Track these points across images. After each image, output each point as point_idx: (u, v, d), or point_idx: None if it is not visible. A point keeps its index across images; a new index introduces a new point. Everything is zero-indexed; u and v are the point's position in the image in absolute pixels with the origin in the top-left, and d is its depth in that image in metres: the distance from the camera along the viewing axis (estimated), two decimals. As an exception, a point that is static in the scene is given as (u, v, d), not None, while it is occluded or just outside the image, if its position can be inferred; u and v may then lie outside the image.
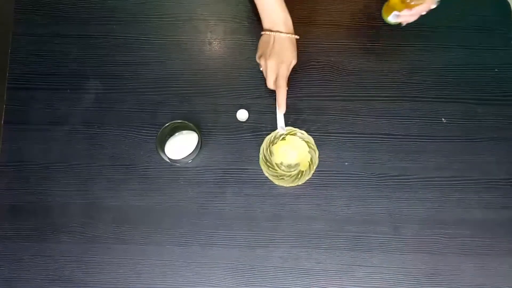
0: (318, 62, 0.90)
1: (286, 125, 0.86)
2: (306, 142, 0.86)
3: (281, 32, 0.81)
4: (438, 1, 0.78)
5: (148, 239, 0.84)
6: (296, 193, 0.86)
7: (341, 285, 0.84)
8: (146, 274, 0.84)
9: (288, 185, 0.83)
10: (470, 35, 0.92)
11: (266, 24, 0.82)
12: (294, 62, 0.83)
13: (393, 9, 0.85)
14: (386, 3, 0.89)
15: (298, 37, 0.83)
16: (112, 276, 0.84)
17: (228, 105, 0.88)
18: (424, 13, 0.80)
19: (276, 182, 0.83)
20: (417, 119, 0.89)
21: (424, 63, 0.91)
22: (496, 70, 0.91)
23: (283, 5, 0.81)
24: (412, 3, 0.79)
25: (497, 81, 0.90)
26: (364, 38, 0.91)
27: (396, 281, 0.84)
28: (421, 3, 0.78)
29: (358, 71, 0.90)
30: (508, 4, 0.93)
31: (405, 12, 0.81)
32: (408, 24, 0.84)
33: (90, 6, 0.92)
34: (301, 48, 0.91)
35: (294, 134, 0.86)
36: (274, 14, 0.81)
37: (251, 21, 0.91)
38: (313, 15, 0.92)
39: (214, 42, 0.91)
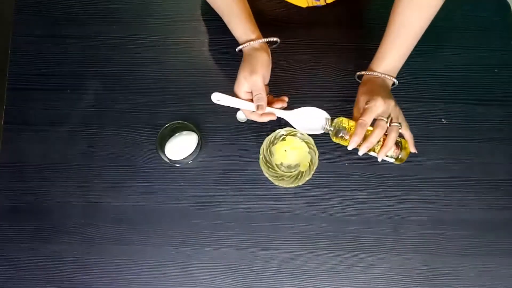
0: (317, 62, 0.90)
1: (286, 125, 0.86)
2: (306, 142, 0.85)
3: (252, 40, 0.76)
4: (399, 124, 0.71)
5: (147, 239, 0.84)
6: (296, 194, 0.86)
7: (340, 285, 0.84)
8: (146, 275, 0.84)
9: (288, 186, 0.83)
10: (470, 35, 0.92)
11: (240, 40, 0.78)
12: (252, 78, 0.74)
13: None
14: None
15: (274, 38, 0.78)
16: (112, 277, 0.84)
17: (228, 106, 0.88)
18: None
19: (276, 182, 0.83)
20: (417, 120, 0.89)
21: (424, 64, 0.91)
22: (496, 70, 0.91)
23: (247, 18, 0.77)
24: (344, 138, 0.73)
25: (497, 81, 0.90)
26: (364, 38, 0.91)
27: (396, 281, 0.84)
28: (349, 137, 0.72)
29: (358, 71, 0.90)
30: (508, 5, 0.93)
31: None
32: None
33: (90, 6, 0.92)
34: (301, 48, 0.91)
35: (294, 135, 0.86)
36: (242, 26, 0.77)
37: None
38: (313, 16, 0.92)
39: (214, 42, 0.91)
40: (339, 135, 0.74)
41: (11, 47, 0.90)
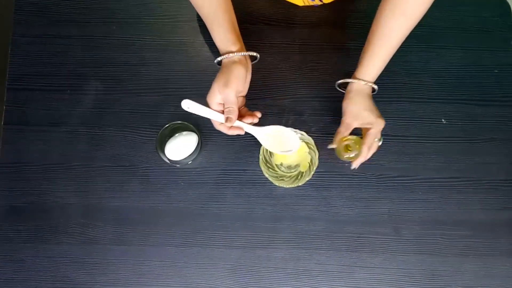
0: (317, 63, 0.90)
1: (287, 125, 0.86)
2: (306, 143, 0.85)
3: (231, 52, 0.74)
4: (381, 138, 0.79)
5: (148, 240, 0.84)
6: (296, 194, 0.86)
7: (341, 286, 0.84)
8: (146, 275, 0.84)
9: (288, 186, 0.83)
10: (470, 36, 0.92)
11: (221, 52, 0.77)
12: (226, 91, 0.72)
13: (339, 155, 0.82)
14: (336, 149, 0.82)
15: (254, 53, 0.78)
16: (112, 277, 0.84)
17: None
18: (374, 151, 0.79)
19: (276, 183, 0.83)
20: (417, 120, 0.89)
21: (424, 64, 0.91)
22: (496, 71, 0.91)
23: (233, 33, 0.76)
24: (350, 159, 0.79)
25: (497, 81, 0.90)
26: (364, 39, 0.91)
27: (396, 282, 0.84)
28: (355, 158, 0.78)
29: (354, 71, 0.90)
30: (508, 5, 0.93)
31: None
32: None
33: (90, 7, 0.92)
34: (301, 49, 0.91)
35: (294, 135, 0.86)
36: (225, 40, 0.76)
37: (253, 22, 0.92)
38: (313, 16, 0.92)
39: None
40: (349, 156, 0.80)
41: (11, 47, 0.90)
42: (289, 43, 0.91)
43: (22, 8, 0.92)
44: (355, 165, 0.79)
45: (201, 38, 0.91)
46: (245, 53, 0.76)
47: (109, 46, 0.90)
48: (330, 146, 0.80)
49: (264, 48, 0.89)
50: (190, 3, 0.93)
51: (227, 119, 0.74)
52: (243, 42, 0.78)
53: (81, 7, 0.92)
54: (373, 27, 0.75)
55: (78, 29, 0.91)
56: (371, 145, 0.77)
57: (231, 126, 0.75)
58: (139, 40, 0.91)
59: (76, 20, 0.91)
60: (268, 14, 0.92)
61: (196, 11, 0.92)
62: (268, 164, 0.85)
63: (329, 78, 0.90)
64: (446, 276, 0.84)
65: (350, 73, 0.90)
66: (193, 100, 0.88)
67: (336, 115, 0.89)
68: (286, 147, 0.78)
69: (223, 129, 0.76)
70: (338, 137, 0.78)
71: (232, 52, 0.75)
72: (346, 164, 0.87)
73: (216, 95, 0.74)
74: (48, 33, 0.91)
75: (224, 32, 0.75)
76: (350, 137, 0.79)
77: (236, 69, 0.74)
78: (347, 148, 0.79)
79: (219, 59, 0.76)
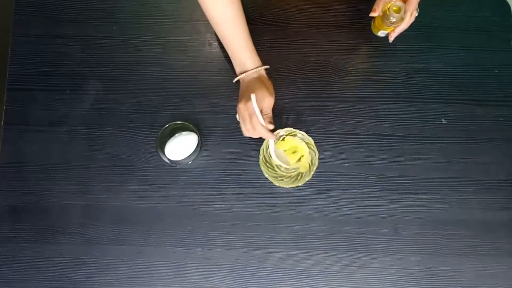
0: (317, 63, 0.90)
1: (286, 126, 0.86)
2: (306, 143, 0.85)
3: (248, 70, 0.78)
4: (418, 9, 0.81)
5: (147, 240, 0.84)
6: (296, 194, 0.86)
7: (340, 286, 0.84)
8: (146, 275, 0.84)
9: (288, 186, 0.83)
10: (470, 36, 0.92)
11: (236, 69, 0.81)
12: (268, 99, 0.77)
13: (378, 29, 0.87)
14: (373, 23, 0.89)
15: (267, 66, 0.80)
16: (112, 277, 0.84)
17: (228, 106, 0.88)
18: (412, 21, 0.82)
19: (276, 183, 0.83)
20: (417, 120, 0.89)
21: (424, 64, 0.91)
22: (496, 71, 0.91)
23: (250, 46, 0.79)
24: (393, 25, 0.81)
25: (497, 82, 0.90)
26: (364, 39, 0.91)
27: (396, 281, 0.84)
28: (400, 24, 0.81)
29: (358, 72, 0.90)
30: (508, 5, 0.93)
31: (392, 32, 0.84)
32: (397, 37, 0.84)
33: (90, 7, 0.92)
34: (301, 49, 0.91)
35: (294, 135, 0.86)
36: (242, 56, 0.79)
37: (253, 22, 0.91)
38: (313, 16, 0.92)
39: (214, 43, 0.91)
40: (392, 21, 0.80)
41: (11, 47, 0.90)
42: (289, 43, 0.91)
43: (22, 8, 0.92)
44: (396, 33, 0.82)
45: (201, 38, 0.91)
46: (267, 66, 0.80)
47: (109, 46, 0.90)
48: (373, 14, 0.81)
49: (264, 48, 0.89)
50: (190, 3, 0.93)
51: (270, 123, 0.77)
52: None
53: (81, 7, 0.92)
54: None
55: (78, 29, 0.91)
56: (413, 12, 0.80)
57: (268, 131, 0.78)
58: (139, 40, 0.91)
59: (76, 20, 0.91)
60: (268, 14, 0.92)
61: (199, 12, 0.92)
62: (268, 164, 0.85)
63: (329, 78, 0.90)
64: (446, 276, 0.84)
65: (351, 72, 0.91)
66: (193, 99, 0.89)
67: (336, 116, 0.89)
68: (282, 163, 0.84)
69: (253, 132, 0.78)
70: (381, 4, 0.80)
71: (260, 66, 0.79)
72: (346, 164, 0.87)
73: (263, 101, 0.76)
74: (48, 33, 0.91)
75: (253, 49, 0.79)
76: (392, 3, 0.79)
77: (270, 83, 0.79)
78: (393, 11, 0.79)
79: (256, 69, 0.79)
